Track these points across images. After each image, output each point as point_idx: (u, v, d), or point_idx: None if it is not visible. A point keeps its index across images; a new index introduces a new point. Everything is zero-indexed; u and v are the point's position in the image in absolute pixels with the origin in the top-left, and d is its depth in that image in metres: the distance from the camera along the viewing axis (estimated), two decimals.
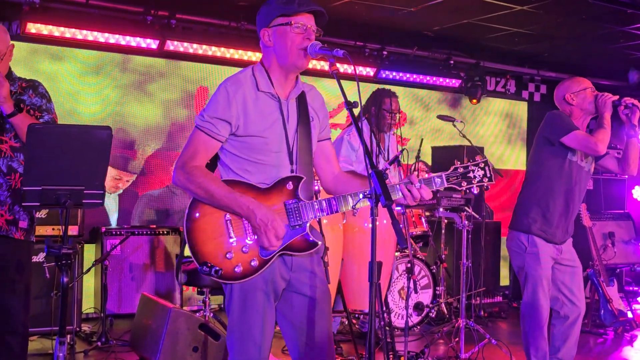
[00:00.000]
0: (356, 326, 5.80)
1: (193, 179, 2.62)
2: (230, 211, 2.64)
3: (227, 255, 2.62)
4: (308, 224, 2.70)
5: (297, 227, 2.68)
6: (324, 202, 2.69)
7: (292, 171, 2.73)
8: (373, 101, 5.44)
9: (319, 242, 2.73)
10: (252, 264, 2.63)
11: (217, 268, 2.60)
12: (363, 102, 5.49)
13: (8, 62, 3.47)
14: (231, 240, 2.64)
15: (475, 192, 2.83)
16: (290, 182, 2.70)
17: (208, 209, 2.65)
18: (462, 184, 2.79)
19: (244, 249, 2.64)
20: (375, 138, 5.35)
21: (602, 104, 4.06)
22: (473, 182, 2.80)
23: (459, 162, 2.83)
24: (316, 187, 4.10)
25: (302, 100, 2.82)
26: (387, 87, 8.17)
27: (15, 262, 3.41)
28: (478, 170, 2.81)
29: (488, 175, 2.82)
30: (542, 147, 4.20)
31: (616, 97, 4.08)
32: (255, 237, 2.65)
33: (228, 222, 2.65)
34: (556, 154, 4.13)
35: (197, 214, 2.65)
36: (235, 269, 2.62)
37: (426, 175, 6.57)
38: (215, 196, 2.61)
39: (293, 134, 2.75)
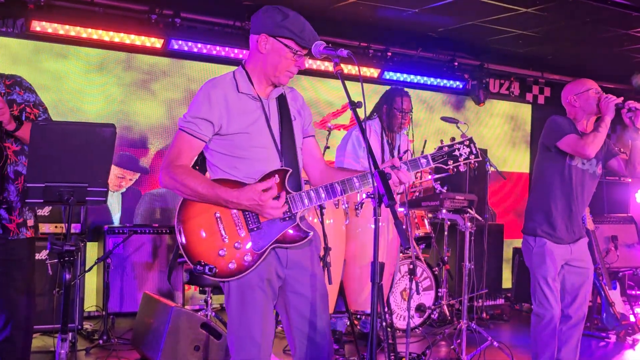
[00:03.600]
0: (357, 327, 5.80)
1: (178, 178, 2.66)
2: (218, 205, 2.66)
3: (220, 253, 2.64)
4: (298, 215, 2.72)
5: (288, 219, 2.70)
6: (312, 192, 2.72)
7: (281, 166, 2.75)
8: (385, 100, 5.41)
9: (311, 232, 2.75)
10: (246, 259, 2.65)
11: (211, 266, 2.62)
12: (368, 103, 5.47)
13: None
14: (223, 237, 2.65)
15: (462, 169, 2.87)
16: (277, 176, 2.72)
17: (197, 210, 2.68)
18: (449, 163, 2.84)
19: (236, 245, 2.66)
20: (387, 137, 5.32)
21: (605, 107, 4.06)
22: (460, 160, 2.85)
23: (444, 142, 2.87)
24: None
25: (282, 100, 2.85)
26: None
27: (23, 260, 3.44)
28: (464, 148, 2.85)
29: (474, 152, 2.86)
30: (543, 153, 4.28)
31: (620, 100, 4.07)
32: (245, 232, 2.66)
33: (218, 219, 2.67)
34: (555, 159, 4.19)
35: (187, 215, 2.68)
36: (229, 266, 2.64)
37: (429, 177, 6.58)
38: (201, 194, 2.65)
39: (277, 131, 2.78)
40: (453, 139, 2.86)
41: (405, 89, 5.45)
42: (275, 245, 2.70)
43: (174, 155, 2.70)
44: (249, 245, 2.66)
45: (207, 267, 2.61)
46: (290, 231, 2.71)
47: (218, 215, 2.67)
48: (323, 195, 2.72)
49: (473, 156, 2.86)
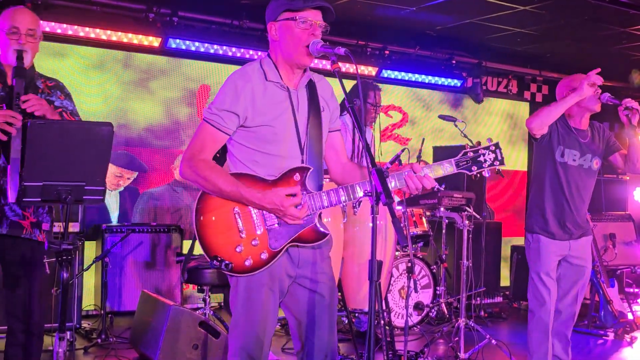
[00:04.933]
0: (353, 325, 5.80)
1: (199, 172, 2.63)
2: (239, 203, 2.64)
3: (237, 249, 2.63)
4: (316, 215, 2.70)
5: (306, 218, 2.68)
6: (331, 192, 2.69)
7: (302, 161, 2.72)
8: (357, 94, 5.41)
9: (328, 233, 2.73)
10: (262, 256, 2.64)
11: (227, 262, 2.61)
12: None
13: (34, 53, 3.35)
14: (241, 233, 2.64)
15: (487, 175, 2.83)
16: (297, 174, 2.69)
17: (216, 203, 2.65)
18: (473, 169, 2.78)
19: (253, 242, 2.64)
20: (360, 132, 5.32)
21: (580, 88, 3.97)
22: (484, 165, 2.79)
23: (469, 146, 2.82)
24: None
25: (312, 89, 2.81)
26: (388, 86, 8.19)
27: (37, 265, 3.35)
28: (489, 154, 2.80)
29: (499, 158, 2.81)
30: (535, 150, 4.30)
31: (593, 89, 4.01)
32: (263, 229, 2.65)
33: (237, 215, 2.65)
34: (543, 155, 4.21)
35: (206, 208, 2.66)
36: (246, 262, 2.63)
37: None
38: (222, 190, 2.62)
39: (304, 123, 2.75)
40: (479, 143, 2.82)
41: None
42: (292, 244, 2.69)
43: (197, 147, 2.68)
44: (265, 242, 2.65)
45: (223, 263, 2.60)
46: (308, 231, 2.69)
47: (237, 210, 2.65)
48: (343, 198, 2.69)
49: (498, 162, 2.81)
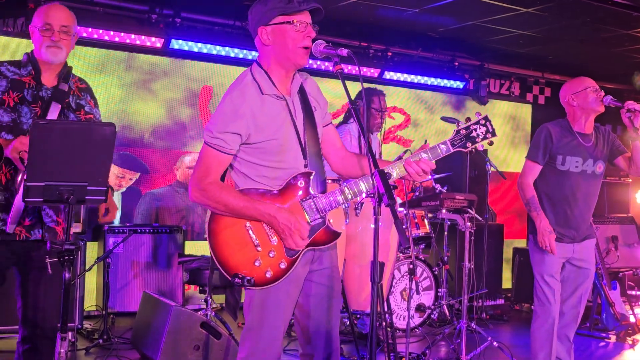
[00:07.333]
0: (356, 326, 5.79)
1: (210, 196, 2.62)
2: (252, 220, 2.64)
3: (256, 263, 2.63)
4: (327, 217, 2.71)
5: (318, 220, 2.70)
6: (336, 191, 2.71)
7: (305, 166, 2.73)
8: (360, 100, 5.41)
9: (341, 231, 2.77)
10: (281, 266, 2.65)
11: (249, 278, 2.61)
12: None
13: (69, 50, 3.39)
14: (257, 247, 2.64)
15: (481, 148, 2.88)
16: (301, 179, 2.70)
17: (227, 222, 2.65)
18: (467, 145, 2.85)
19: (270, 254, 2.65)
20: (362, 133, 5.33)
21: (541, 240, 4.10)
22: (477, 140, 2.86)
23: (460, 124, 2.87)
24: None
25: (302, 91, 2.82)
26: (391, 88, 8.20)
27: (57, 266, 3.22)
28: (480, 128, 2.87)
29: (491, 130, 2.88)
30: None
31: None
32: (277, 239, 2.65)
33: (249, 229, 2.65)
34: (546, 164, 4.19)
35: (218, 228, 2.65)
36: (266, 274, 2.64)
37: (429, 177, 6.58)
38: (235, 209, 2.62)
39: (302, 128, 2.75)
40: (468, 119, 2.85)
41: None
42: (307, 248, 2.70)
43: (202, 172, 2.65)
44: (282, 252, 2.66)
45: (245, 279, 2.60)
46: (322, 233, 2.71)
47: (249, 225, 2.65)
48: (350, 196, 2.71)
49: (490, 134, 2.87)
